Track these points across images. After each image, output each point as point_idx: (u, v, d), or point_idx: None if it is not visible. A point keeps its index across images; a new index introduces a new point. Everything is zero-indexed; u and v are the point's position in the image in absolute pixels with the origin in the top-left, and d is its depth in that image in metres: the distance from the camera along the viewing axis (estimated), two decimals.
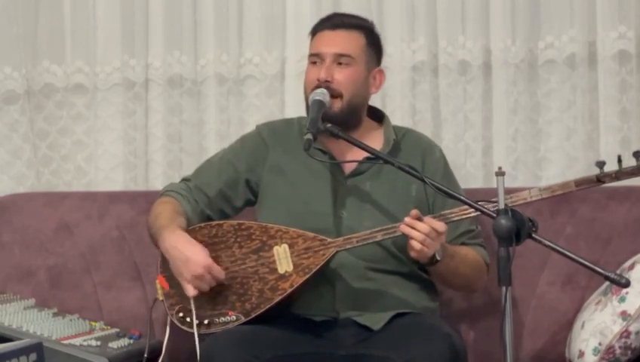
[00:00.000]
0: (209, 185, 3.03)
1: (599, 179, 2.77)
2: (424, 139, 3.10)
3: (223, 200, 3.03)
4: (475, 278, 2.97)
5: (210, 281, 2.80)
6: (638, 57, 3.50)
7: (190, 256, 2.80)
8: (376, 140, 2.98)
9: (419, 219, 2.71)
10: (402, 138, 3.04)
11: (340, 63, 2.92)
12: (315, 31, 3.01)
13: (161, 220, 2.91)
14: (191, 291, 2.80)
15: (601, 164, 2.75)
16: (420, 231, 2.69)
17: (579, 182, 2.80)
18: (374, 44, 3.01)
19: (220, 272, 2.81)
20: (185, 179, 3.09)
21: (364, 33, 2.98)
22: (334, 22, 2.99)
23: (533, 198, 2.79)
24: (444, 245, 2.78)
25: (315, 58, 2.95)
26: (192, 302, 2.81)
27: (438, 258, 2.77)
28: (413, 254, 2.74)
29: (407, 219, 2.71)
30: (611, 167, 2.76)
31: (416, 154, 3.00)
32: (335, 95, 2.89)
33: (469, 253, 2.94)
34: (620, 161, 2.74)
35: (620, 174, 2.76)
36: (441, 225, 2.71)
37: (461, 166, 3.57)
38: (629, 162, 2.75)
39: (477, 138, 3.59)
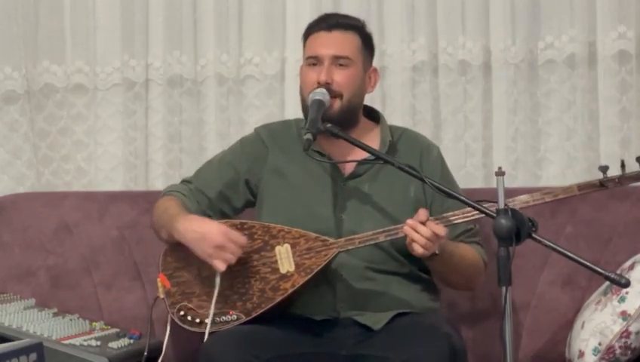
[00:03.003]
0: (209, 186, 3.03)
1: (602, 184, 2.77)
2: (421, 139, 3.10)
3: (223, 201, 3.03)
4: (473, 276, 2.97)
5: (234, 249, 2.78)
6: (638, 57, 3.50)
7: (205, 231, 2.80)
8: (373, 140, 2.98)
9: (424, 221, 2.71)
10: (399, 138, 3.04)
11: (339, 65, 2.92)
12: (310, 32, 3.00)
13: (170, 211, 2.92)
14: (220, 266, 2.78)
15: (604, 169, 2.75)
16: (422, 235, 2.70)
17: (582, 187, 2.80)
18: (368, 44, 3.01)
19: (239, 236, 2.80)
20: (185, 181, 3.09)
21: (358, 34, 2.98)
22: (329, 23, 2.97)
23: (536, 202, 2.79)
24: (445, 241, 2.78)
25: (312, 60, 2.95)
26: (217, 278, 2.80)
27: (437, 251, 2.76)
28: (413, 253, 2.75)
29: (409, 222, 2.72)
30: (613, 168, 2.76)
31: (414, 155, 3.00)
32: (335, 95, 2.89)
33: (467, 250, 2.94)
34: (623, 165, 2.74)
35: (623, 179, 2.76)
36: (442, 230, 2.71)
37: (461, 166, 3.58)
38: (629, 162, 2.75)
39: (477, 138, 3.60)
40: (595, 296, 3.10)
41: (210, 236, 2.79)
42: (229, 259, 2.79)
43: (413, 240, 2.71)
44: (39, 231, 3.43)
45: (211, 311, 2.80)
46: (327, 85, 2.88)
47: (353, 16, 3.06)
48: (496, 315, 2.46)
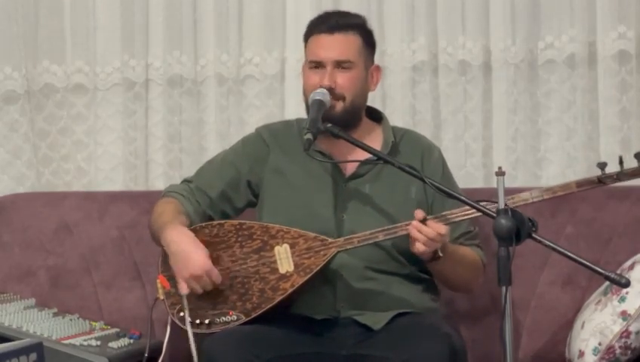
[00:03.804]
0: (211, 186, 3.03)
1: (600, 181, 2.77)
2: (423, 141, 3.10)
3: (225, 201, 3.03)
4: (472, 277, 2.98)
5: (206, 284, 2.80)
6: (638, 57, 3.50)
7: (191, 254, 2.80)
8: (375, 141, 2.98)
9: (424, 220, 2.71)
10: (401, 139, 3.04)
11: (341, 68, 2.92)
12: (311, 34, 2.99)
13: (163, 217, 2.92)
14: (184, 289, 2.80)
15: (602, 165, 2.75)
16: (426, 236, 2.70)
17: (580, 183, 2.80)
18: (369, 42, 3.01)
19: (217, 277, 2.81)
20: (186, 181, 3.09)
21: (359, 33, 2.98)
22: (330, 24, 2.96)
23: (535, 199, 2.79)
24: (446, 243, 2.78)
25: (314, 63, 2.94)
26: (184, 299, 2.81)
27: (440, 254, 2.77)
28: (416, 252, 2.75)
29: (415, 223, 2.72)
30: (612, 167, 2.76)
31: (415, 156, 3.00)
32: (338, 98, 2.89)
33: (467, 252, 2.95)
34: (621, 162, 2.74)
35: (621, 175, 2.76)
36: (443, 228, 2.72)
37: (461, 166, 3.58)
38: (630, 162, 2.75)
39: (477, 138, 3.60)
40: (595, 296, 3.10)
41: (193, 263, 2.79)
42: (196, 289, 2.81)
43: (415, 239, 2.71)
44: (39, 231, 3.43)
45: (190, 333, 2.78)
46: (330, 89, 2.88)
47: (353, 14, 3.06)
48: (496, 315, 2.46)
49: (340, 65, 2.92)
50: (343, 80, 2.91)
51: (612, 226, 3.26)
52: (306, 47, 3.01)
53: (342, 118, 2.89)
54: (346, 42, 2.95)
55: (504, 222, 2.38)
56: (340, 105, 2.90)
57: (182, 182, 3.11)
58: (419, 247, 2.72)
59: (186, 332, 2.84)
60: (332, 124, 2.81)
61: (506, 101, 3.56)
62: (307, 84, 2.95)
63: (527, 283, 3.24)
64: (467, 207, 2.74)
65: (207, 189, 3.02)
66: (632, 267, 3.01)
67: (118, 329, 3.17)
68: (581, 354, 2.97)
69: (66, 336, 3.00)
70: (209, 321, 2.83)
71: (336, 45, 2.94)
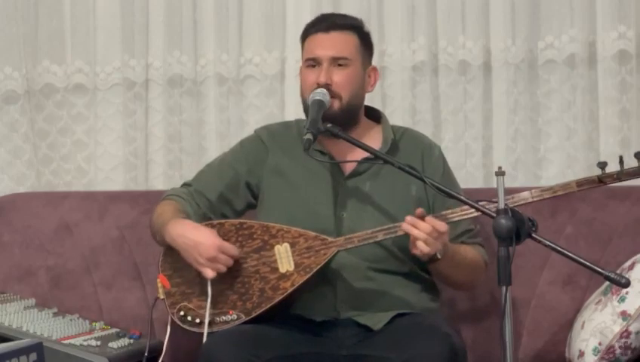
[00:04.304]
0: (210, 188, 3.03)
1: (601, 180, 2.77)
2: (423, 139, 3.10)
3: (225, 203, 3.03)
4: (474, 277, 2.98)
5: (226, 260, 2.80)
6: (638, 57, 3.50)
7: (199, 240, 2.81)
8: (374, 140, 2.98)
9: (422, 218, 2.71)
10: (401, 137, 3.04)
11: (338, 65, 2.92)
12: (307, 34, 3.00)
13: (164, 216, 2.93)
14: (209, 273, 2.80)
15: (602, 165, 2.75)
16: (422, 231, 2.70)
17: (580, 183, 2.80)
18: (367, 43, 3.02)
19: (232, 249, 2.82)
20: (185, 184, 3.09)
21: (356, 33, 2.98)
22: (327, 24, 2.97)
23: (535, 199, 2.79)
24: (446, 244, 2.78)
25: (311, 62, 2.95)
26: (209, 284, 2.81)
27: (439, 256, 2.77)
28: (414, 251, 2.75)
29: (408, 218, 2.72)
30: (613, 167, 2.76)
31: (415, 154, 3.00)
32: (334, 96, 2.90)
33: (468, 251, 2.94)
34: (621, 161, 2.74)
35: (621, 175, 2.76)
36: (442, 225, 2.72)
37: (461, 166, 3.58)
38: (630, 162, 2.75)
39: (477, 138, 3.60)
40: (595, 296, 3.10)
41: (204, 247, 2.80)
42: (220, 269, 2.81)
43: (414, 238, 2.71)
44: (39, 231, 3.43)
45: (206, 319, 2.79)
46: (326, 86, 2.89)
47: (350, 16, 3.07)
48: (497, 315, 2.46)
49: (336, 62, 2.92)
50: (340, 77, 2.91)
51: (612, 226, 3.26)
52: (302, 48, 3.01)
53: (339, 116, 2.89)
54: (343, 40, 2.95)
55: (504, 222, 2.38)
56: (336, 104, 2.90)
57: (182, 185, 3.11)
58: (419, 246, 2.71)
59: (185, 331, 2.85)
60: (331, 123, 2.82)
61: (506, 101, 3.57)
62: (304, 83, 2.95)
63: (527, 283, 3.24)
64: (467, 206, 2.74)
65: (207, 192, 3.03)
66: (632, 267, 3.01)
67: (118, 329, 3.17)
68: (581, 354, 2.98)
69: (66, 336, 3.00)
70: (209, 321, 2.83)
71: (333, 42, 2.94)
